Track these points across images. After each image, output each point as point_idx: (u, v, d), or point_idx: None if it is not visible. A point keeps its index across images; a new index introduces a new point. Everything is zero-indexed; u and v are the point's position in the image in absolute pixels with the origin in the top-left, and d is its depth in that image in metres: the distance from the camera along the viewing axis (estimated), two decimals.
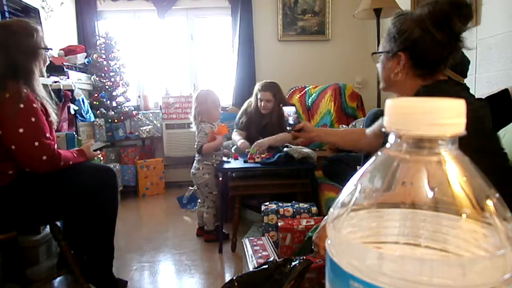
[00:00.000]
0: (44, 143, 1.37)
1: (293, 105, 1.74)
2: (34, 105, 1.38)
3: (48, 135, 1.40)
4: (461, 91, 0.96)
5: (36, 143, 1.35)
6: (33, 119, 1.35)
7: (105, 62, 3.29)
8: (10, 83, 1.36)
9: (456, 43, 0.95)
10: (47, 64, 1.57)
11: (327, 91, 2.94)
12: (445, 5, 0.92)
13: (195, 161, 2.30)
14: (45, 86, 1.56)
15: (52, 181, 1.44)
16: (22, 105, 1.33)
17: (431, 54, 0.96)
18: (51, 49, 1.55)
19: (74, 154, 1.53)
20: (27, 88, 1.39)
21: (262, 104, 2.52)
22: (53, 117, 1.50)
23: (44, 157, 1.36)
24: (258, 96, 2.55)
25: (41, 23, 2.79)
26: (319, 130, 1.56)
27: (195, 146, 2.25)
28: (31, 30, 1.45)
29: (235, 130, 2.69)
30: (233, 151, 2.42)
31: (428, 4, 0.95)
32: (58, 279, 1.78)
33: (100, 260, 1.61)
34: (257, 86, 2.61)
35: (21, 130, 1.33)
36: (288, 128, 1.52)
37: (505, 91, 1.41)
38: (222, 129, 2.25)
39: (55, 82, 2.49)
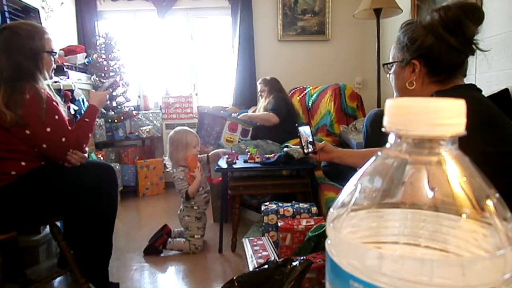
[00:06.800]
0: (70, 138, 1.46)
1: (307, 124, 1.64)
2: (54, 103, 1.44)
3: (69, 128, 1.49)
4: (479, 95, 0.93)
5: (63, 139, 1.44)
6: (56, 117, 1.43)
7: (105, 62, 3.29)
8: (25, 84, 1.38)
9: (471, 46, 0.93)
10: (52, 68, 1.57)
11: (327, 91, 2.94)
12: (456, 10, 0.91)
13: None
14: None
15: (53, 179, 1.44)
16: (45, 105, 1.39)
17: (446, 60, 0.94)
18: (55, 52, 1.55)
19: (84, 120, 1.57)
20: (41, 88, 1.41)
21: (259, 94, 3.09)
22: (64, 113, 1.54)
23: (71, 149, 1.47)
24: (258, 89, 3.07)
25: (41, 23, 2.79)
26: (340, 152, 1.46)
27: (181, 196, 2.15)
28: (33, 33, 1.46)
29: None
30: (233, 150, 2.42)
31: (439, 10, 0.93)
32: (58, 279, 1.78)
33: (96, 257, 1.60)
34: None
35: (48, 129, 1.40)
36: (307, 148, 1.46)
37: (505, 91, 1.41)
38: (192, 162, 2.13)
39: (55, 82, 2.49)
